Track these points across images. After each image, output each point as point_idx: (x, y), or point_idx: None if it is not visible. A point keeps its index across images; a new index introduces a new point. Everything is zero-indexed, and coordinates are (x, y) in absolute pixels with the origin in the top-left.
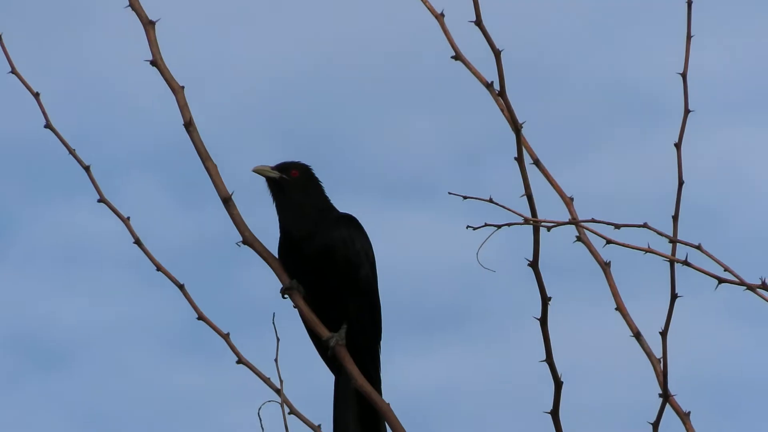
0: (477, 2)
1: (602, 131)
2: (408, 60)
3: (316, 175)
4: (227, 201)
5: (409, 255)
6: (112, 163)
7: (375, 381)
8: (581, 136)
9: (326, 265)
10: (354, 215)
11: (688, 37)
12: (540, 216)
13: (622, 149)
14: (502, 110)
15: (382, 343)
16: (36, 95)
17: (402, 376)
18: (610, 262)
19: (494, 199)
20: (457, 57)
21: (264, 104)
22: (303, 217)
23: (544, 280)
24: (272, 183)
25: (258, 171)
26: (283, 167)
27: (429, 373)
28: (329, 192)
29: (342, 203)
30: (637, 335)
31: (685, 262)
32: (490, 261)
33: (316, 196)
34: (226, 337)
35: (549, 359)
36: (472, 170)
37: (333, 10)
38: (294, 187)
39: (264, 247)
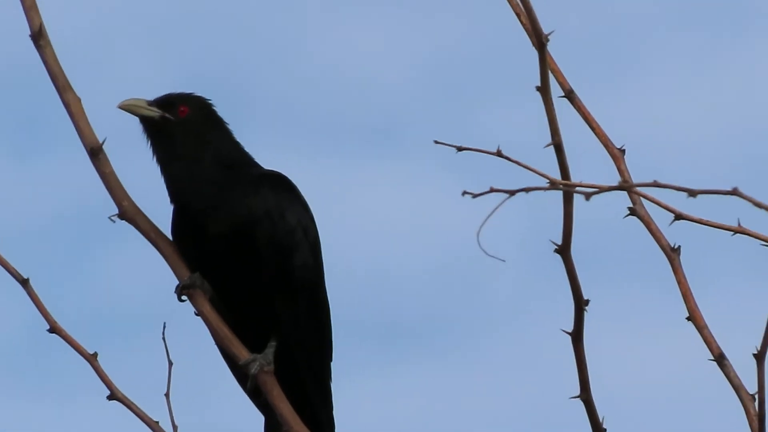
0: None
1: (662, 43)
2: None
3: (219, 113)
4: (96, 153)
5: (369, 232)
6: None
7: (323, 422)
8: (630, 53)
9: (242, 251)
10: (282, 173)
11: None
12: (574, 177)
13: (690, 72)
14: (517, 14)
15: (332, 364)
16: None
17: (362, 413)
18: (679, 246)
19: (503, 152)
20: None
21: (149, 10)
22: (200, 178)
23: (579, 274)
24: (150, 127)
25: (127, 107)
26: (166, 102)
27: (401, 409)
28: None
29: (262, 157)
30: (720, 358)
31: None
32: (497, 245)
33: (220, 143)
34: (91, 358)
35: (585, 393)
36: (466, 106)
37: None
38: (183, 131)
39: (151, 222)
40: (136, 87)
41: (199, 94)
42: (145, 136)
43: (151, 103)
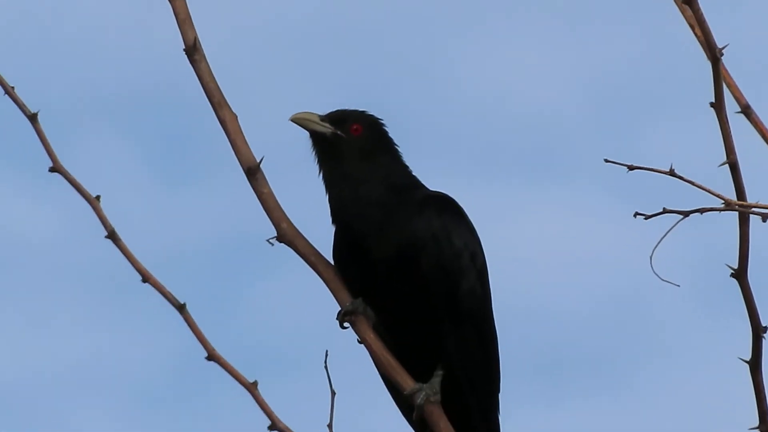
0: None
1: None
2: None
3: (390, 134)
4: (253, 172)
5: (535, 257)
6: (61, 116)
7: None
8: None
9: (406, 276)
10: (449, 195)
11: None
12: (750, 197)
13: None
14: (691, 26)
15: (500, 397)
16: None
17: None
18: None
19: (677, 171)
20: None
21: (304, 26)
22: (367, 200)
23: (756, 299)
24: (321, 142)
25: (300, 120)
26: (339, 118)
27: None
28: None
29: (424, 179)
30: None
31: None
32: (670, 269)
33: (390, 165)
34: (251, 387)
35: (764, 425)
36: (634, 125)
37: None
38: (356, 150)
39: (311, 245)
40: (289, 106)
41: (370, 112)
42: (313, 152)
43: (323, 118)
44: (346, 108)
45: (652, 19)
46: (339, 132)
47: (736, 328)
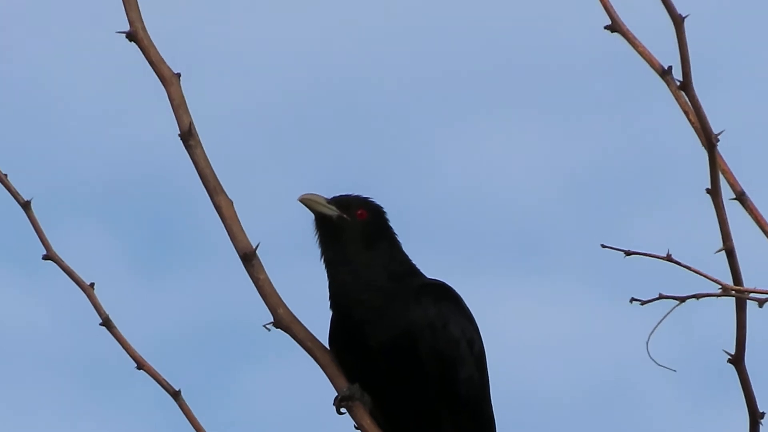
0: None
1: None
2: (513, 36)
3: (391, 222)
4: (249, 259)
5: (526, 347)
6: (51, 205)
7: None
8: None
9: (404, 363)
10: (446, 283)
11: None
12: (747, 283)
13: None
14: (686, 113)
15: None
16: None
17: None
18: None
19: (673, 256)
20: (614, 27)
21: (295, 111)
22: (369, 285)
23: (753, 385)
24: (326, 225)
25: (307, 201)
26: (344, 203)
27: None
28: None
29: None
30: None
31: None
32: (666, 355)
33: (391, 251)
34: None
35: None
36: (625, 213)
37: None
38: (360, 234)
39: (307, 331)
40: (284, 192)
41: (374, 199)
42: (317, 234)
43: (329, 201)
44: (350, 193)
45: (645, 106)
46: (344, 216)
47: (733, 415)
